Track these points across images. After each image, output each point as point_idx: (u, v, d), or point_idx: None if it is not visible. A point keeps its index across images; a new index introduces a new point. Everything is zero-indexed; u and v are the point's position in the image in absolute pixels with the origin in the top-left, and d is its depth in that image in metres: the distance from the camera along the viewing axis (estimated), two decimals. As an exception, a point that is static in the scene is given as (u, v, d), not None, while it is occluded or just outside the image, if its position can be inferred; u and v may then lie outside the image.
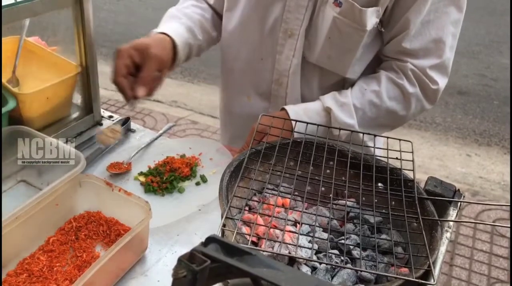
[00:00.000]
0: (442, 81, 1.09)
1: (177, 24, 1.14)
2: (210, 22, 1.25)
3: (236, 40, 1.19)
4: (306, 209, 0.88)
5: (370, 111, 1.06)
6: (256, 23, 1.12)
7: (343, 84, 1.14)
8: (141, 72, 1.02)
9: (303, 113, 1.05)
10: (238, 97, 1.27)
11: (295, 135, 0.98)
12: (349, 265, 0.75)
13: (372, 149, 0.97)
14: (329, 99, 1.06)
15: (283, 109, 1.07)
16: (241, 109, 1.27)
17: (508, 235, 2.51)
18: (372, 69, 1.13)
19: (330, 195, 0.83)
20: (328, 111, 1.06)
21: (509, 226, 2.58)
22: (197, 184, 1.12)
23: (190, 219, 1.02)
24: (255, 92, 1.22)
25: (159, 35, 1.07)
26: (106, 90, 3.94)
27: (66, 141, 1.19)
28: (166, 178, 1.10)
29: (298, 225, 0.82)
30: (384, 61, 1.12)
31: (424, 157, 3.25)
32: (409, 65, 1.05)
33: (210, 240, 0.44)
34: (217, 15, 1.28)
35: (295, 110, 1.05)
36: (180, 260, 0.39)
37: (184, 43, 1.12)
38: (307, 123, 0.93)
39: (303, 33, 1.06)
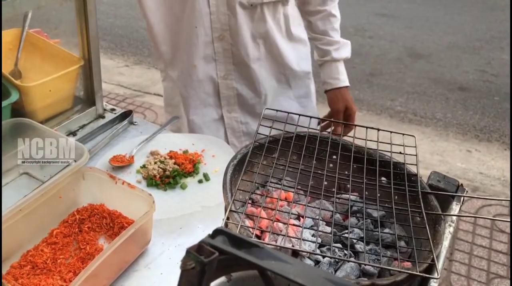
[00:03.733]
0: None
1: None
2: None
3: (161, 19, 1.28)
4: (309, 202, 0.88)
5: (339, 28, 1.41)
6: None
7: (280, 15, 1.31)
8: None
9: (336, 75, 1.42)
10: (186, 72, 1.36)
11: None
12: (352, 259, 0.75)
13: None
14: (337, 54, 1.40)
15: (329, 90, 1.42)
16: (192, 79, 1.37)
17: (508, 230, 2.51)
18: None
19: (333, 189, 0.83)
20: (342, 59, 1.42)
21: (509, 220, 2.58)
22: (200, 181, 1.12)
23: (193, 213, 1.02)
24: (195, 58, 1.31)
25: None
26: (107, 83, 3.94)
27: (69, 134, 1.19)
28: (170, 172, 1.10)
29: (301, 218, 0.82)
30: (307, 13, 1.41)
31: (425, 152, 3.25)
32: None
33: (217, 232, 0.44)
34: None
35: (334, 83, 1.42)
36: (188, 251, 0.39)
37: None
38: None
39: None
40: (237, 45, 1.28)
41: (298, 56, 1.40)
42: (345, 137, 0.94)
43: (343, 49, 1.40)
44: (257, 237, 0.79)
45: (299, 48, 1.40)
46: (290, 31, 1.35)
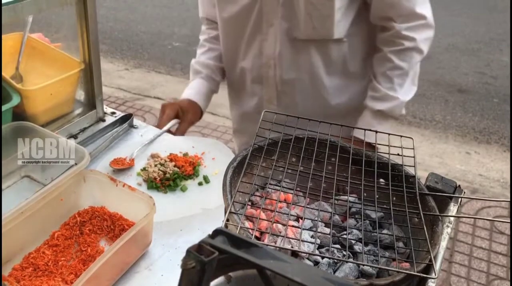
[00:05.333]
0: (427, 10, 1.23)
1: (199, 82, 1.47)
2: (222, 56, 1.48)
3: (227, 33, 1.36)
4: (308, 204, 0.89)
5: (403, 80, 1.25)
6: (242, 17, 1.27)
7: (330, 53, 1.27)
8: (179, 128, 1.38)
9: (368, 126, 1.20)
10: (235, 82, 1.43)
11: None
12: (351, 260, 0.75)
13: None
14: (371, 102, 1.28)
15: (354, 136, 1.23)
16: (241, 98, 1.45)
17: (507, 232, 2.52)
18: (357, 25, 1.26)
19: (332, 191, 0.84)
20: (380, 113, 1.27)
21: (509, 221, 2.59)
22: (200, 184, 1.13)
23: (193, 215, 1.03)
24: (248, 76, 1.37)
25: (192, 103, 1.43)
26: (107, 87, 3.95)
27: (70, 137, 1.20)
28: (170, 175, 1.10)
29: (300, 220, 0.83)
30: (378, 35, 1.28)
31: (424, 154, 3.26)
32: (398, 28, 1.20)
33: (217, 232, 0.45)
34: None
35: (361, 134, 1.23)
36: (189, 251, 0.40)
37: (207, 97, 1.48)
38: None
39: (280, 21, 1.22)
40: (281, 75, 1.30)
41: (348, 92, 1.34)
42: (343, 140, 0.95)
43: (380, 101, 1.25)
44: (257, 238, 0.80)
45: (354, 85, 1.34)
46: (345, 67, 1.29)
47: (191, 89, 1.46)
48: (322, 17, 1.18)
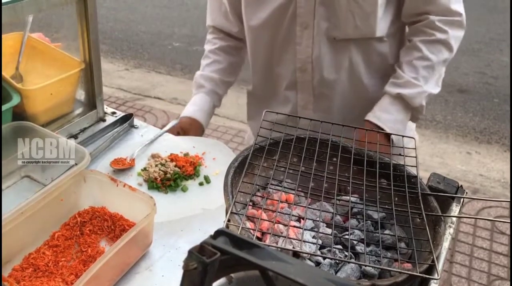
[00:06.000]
0: (463, 9, 1.20)
1: (202, 98, 1.43)
2: (227, 69, 1.45)
3: (258, 42, 1.30)
4: (309, 204, 0.88)
5: (429, 73, 1.18)
6: (273, 22, 1.22)
7: (371, 52, 1.23)
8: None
9: (384, 113, 1.18)
10: (266, 90, 1.38)
11: (390, 132, 1.14)
12: (353, 260, 0.75)
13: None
14: (391, 87, 1.19)
15: (366, 120, 1.20)
16: (272, 108, 1.34)
17: (508, 232, 2.52)
18: (395, 23, 1.23)
19: (334, 191, 0.83)
20: (399, 96, 1.18)
21: (509, 222, 2.59)
22: (201, 184, 1.12)
23: (193, 215, 1.03)
24: (281, 83, 1.32)
25: (194, 121, 1.40)
26: (108, 87, 3.95)
27: (70, 137, 1.19)
28: (171, 175, 1.10)
29: (302, 220, 0.82)
30: (408, 27, 1.24)
31: (425, 154, 3.26)
32: (432, 18, 1.16)
33: (219, 233, 0.44)
34: (236, 41, 1.44)
35: (377, 117, 1.19)
36: (190, 252, 0.40)
37: (209, 114, 1.45)
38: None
39: (318, 22, 1.17)
40: (320, 77, 1.24)
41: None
42: (344, 140, 0.94)
43: (401, 87, 1.18)
44: (258, 238, 0.79)
45: None
46: (385, 68, 1.25)
47: (194, 106, 1.42)
48: (365, 14, 1.14)
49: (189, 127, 1.38)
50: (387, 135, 1.14)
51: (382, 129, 1.15)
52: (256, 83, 1.41)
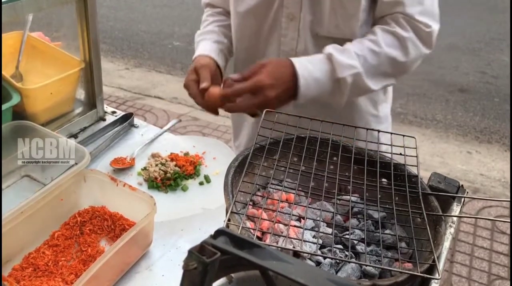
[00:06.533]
0: (434, 25, 1.13)
1: (208, 43, 1.27)
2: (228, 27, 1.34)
3: (243, 29, 1.26)
4: (310, 204, 0.88)
5: (371, 58, 1.09)
6: (261, 11, 1.19)
7: None
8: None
9: (307, 62, 1.08)
10: None
11: (300, 82, 1.04)
12: (353, 260, 0.75)
13: (376, 144, 0.97)
14: (329, 48, 1.10)
15: (289, 60, 1.08)
16: None
17: (508, 231, 2.51)
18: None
19: (334, 190, 0.83)
20: (329, 57, 1.07)
21: (509, 221, 2.58)
22: (201, 183, 1.12)
23: (194, 215, 1.02)
24: None
25: (204, 58, 1.20)
26: (108, 86, 3.95)
27: (70, 137, 1.19)
28: (171, 174, 1.10)
29: (302, 220, 0.82)
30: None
31: (425, 154, 3.26)
32: (399, 15, 1.11)
33: (219, 232, 0.44)
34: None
35: (299, 60, 1.08)
36: (190, 252, 0.40)
37: (219, 53, 1.26)
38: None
39: (304, 14, 1.15)
40: None
41: (368, 97, 1.28)
42: (345, 139, 0.94)
43: (338, 51, 1.08)
44: (258, 238, 0.79)
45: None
46: None
47: (203, 51, 1.23)
48: (348, 15, 1.13)
49: (204, 63, 1.17)
50: (294, 77, 1.05)
51: (296, 73, 1.05)
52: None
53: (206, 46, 1.26)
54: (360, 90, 1.09)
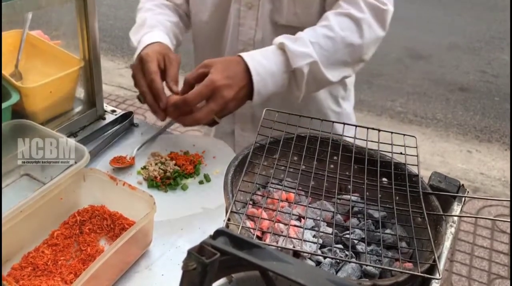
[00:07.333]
0: (390, 5, 1.10)
1: (161, 33, 1.18)
2: (178, 27, 1.30)
3: (201, 20, 1.25)
4: (310, 203, 0.88)
5: (326, 44, 1.04)
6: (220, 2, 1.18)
7: None
8: (167, 74, 1.09)
9: (260, 56, 1.02)
10: None
11: (254, 79, 0.99)
12: (353, 260, 0.75)
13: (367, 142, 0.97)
14: (281, 37, 1.05)
15: (239, 56, 1.03)
16: None
17: (509, 231, 2.51)
18: None
19: (334, 190, 0.83)
20: (282, 47, 1.03)
21: (510, 221, 2.58)
22: (201, 182, 1.12)
23: (193, 214, 1.02)
24: None
25: (162, 44, 1.13)
26: (107, 85, 3.95)
27: (70, 135, 1.19)
28: (171, 173, 1.10)
29: (302, 219, 0.82)
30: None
31: (425, 153, 3.26)
32: None
33: (218, 233, 0.44)
34: (184, 14, 1.34)
35: (250, 55, 1.03)
36: (190, 252, 0.39)
37: (174, 37, 1.24)
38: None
39: (263, 3, 1.13)
40: None
41: (328, 91, 1.26)
42: (346, 138, 0.94)
43: (290, 40, 1.03)
44: (258, 238, 0.79)
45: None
46: None
47: (151, 37, 1.14)
48: (305, 3, 1.11)
49: (166, 50, 1.11)
50: (248, 73, 1.00)
51: (249, 69, 1.00)
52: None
53: (163, 37, 1.17)
54: (318, 81, 1.04)
